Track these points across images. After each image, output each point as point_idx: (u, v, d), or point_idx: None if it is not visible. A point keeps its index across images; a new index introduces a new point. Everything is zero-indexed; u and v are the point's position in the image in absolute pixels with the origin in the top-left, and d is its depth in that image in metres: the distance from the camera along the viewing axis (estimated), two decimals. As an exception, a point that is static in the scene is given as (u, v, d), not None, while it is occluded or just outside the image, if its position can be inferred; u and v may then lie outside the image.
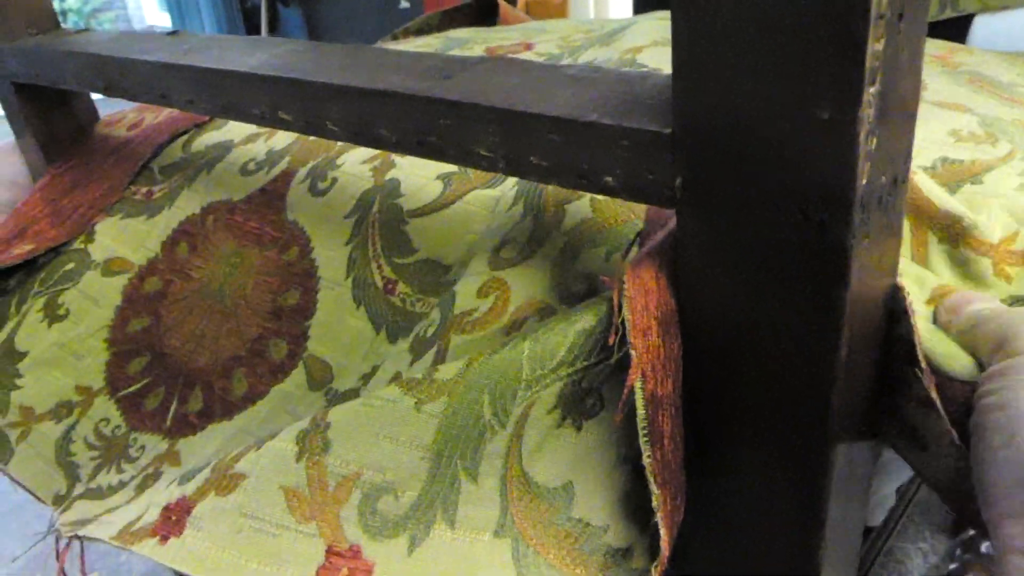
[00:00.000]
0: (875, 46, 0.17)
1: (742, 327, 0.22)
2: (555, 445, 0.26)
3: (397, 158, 0.42)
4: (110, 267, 0.49)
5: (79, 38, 0.49)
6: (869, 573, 0.40)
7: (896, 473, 0.35)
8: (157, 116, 0.57)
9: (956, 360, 0.24)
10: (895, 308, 0.24)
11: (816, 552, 0.25)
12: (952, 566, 0.82)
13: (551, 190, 0.33)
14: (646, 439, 0.23)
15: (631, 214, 0.31)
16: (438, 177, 0.39)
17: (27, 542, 1.02)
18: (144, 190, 0.51)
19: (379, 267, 0.38)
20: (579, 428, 0.26)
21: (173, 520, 0.29)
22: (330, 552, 0.27)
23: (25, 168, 0.56)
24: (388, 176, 0.41)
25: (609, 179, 0.24)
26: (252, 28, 3.10)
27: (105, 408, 0.45)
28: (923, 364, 0.23)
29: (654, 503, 0.23)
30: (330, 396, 0.37)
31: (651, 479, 0.23)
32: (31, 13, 0.52)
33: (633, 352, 0.23)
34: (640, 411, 0.23)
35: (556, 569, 0.25)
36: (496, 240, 0.33)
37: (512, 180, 0.37)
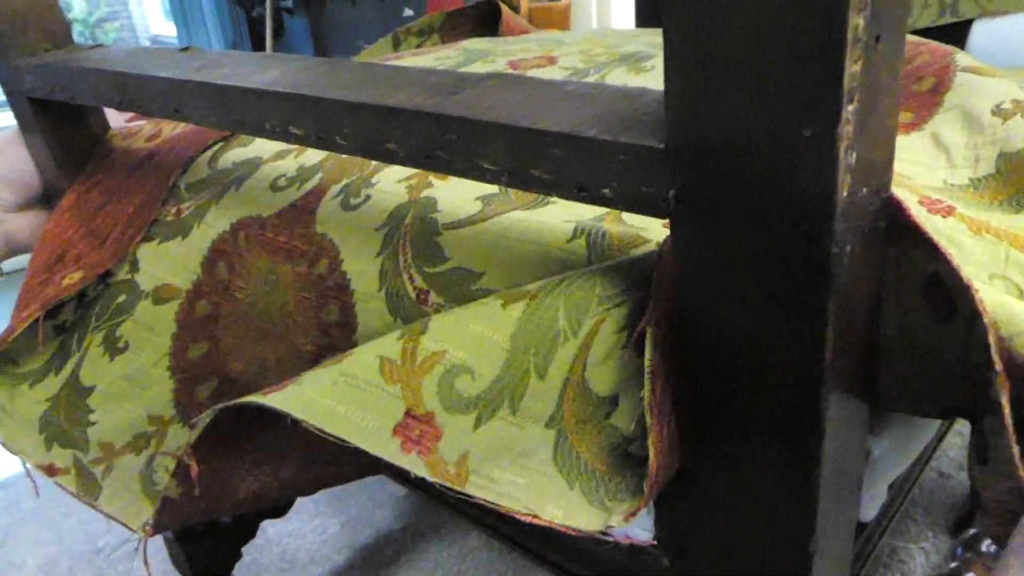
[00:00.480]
0: (853, 67, 0.18)
1: (734, 331, 0.23)
2: (615, 363, 0.29)
3: (434, 179, 0.43)
4: (160, 295, 0.50)
5: (94, 54, 0.51)
6: (863, 569, 0.41)
7: (888, 470, 0.36)
8: (175, 128, 0.59)
9: None
10: (963, 307, 0.24)
11: (807, 548, 0.26)
12: (953, 564, 0.83)
13: (615, 232, 0.34)
14: (648, 376, 0.26)
15: None
16: (477, 198, 0.40)
17: (39, 550, 1.04)
18: (174, 209, 0.52)
19: (410, 278, 0.39)
20: (640, 352, 0.28)
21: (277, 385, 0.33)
22: (408, 414, 0.30)
23: (31, 166, 0.58)
24: (424, 194, 0.42)
25: (607, 191, 0.25)
26: (257, 37, 3.12)
27: (180, 435, 0.47)
28: (997, 366, 0.23)
29: (647, 428, 0.26)
30: None
31: (646, 408, 0.26)
32: (47, 30, 0.54)
33: (651, 300, 0.26)
34: (648, 354, 0.26)
35: (584, 460, 0.29)
36: (557, 277, 0.34)
37: (557, 208, 0.37)
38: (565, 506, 0.28)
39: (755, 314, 0.22)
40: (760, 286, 0.22)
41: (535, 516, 0.28)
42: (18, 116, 0.56)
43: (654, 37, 0.65)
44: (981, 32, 0.71)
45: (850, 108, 0.19)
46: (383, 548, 1.00)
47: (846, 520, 0.29)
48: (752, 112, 0.20)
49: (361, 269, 0.41)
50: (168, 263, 0.50)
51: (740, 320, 0.23)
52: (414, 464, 0.29)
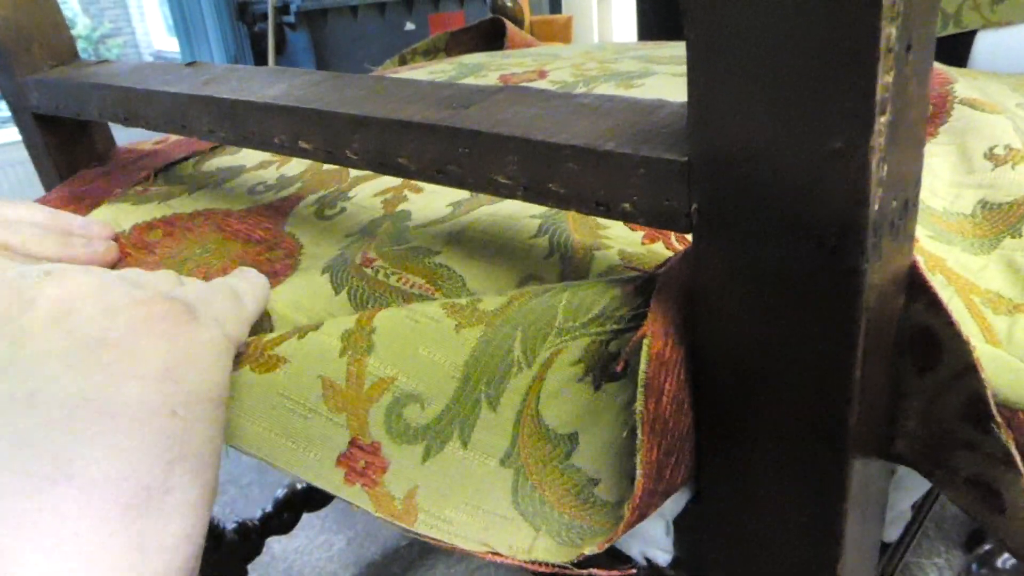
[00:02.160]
0: (885, 78, 0.18)
1: (759, 349, 0.23)
2: (572, 396, 0.27)
3: (410, 193, 0.43)
4: None
5: (99, 70, 0.50)
6: (886, 589, 0.41)
7: (912, 489, 0.35)
8: (179, 141, 0.59)
9: None
10: (953, 361, 0.24)
11: (834, 571, 0.25)
12: (968, 581, 0.82)
13: (577, 237, 0.34)
14: (642, 390, 0.24)
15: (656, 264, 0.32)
16: (448, 205, 0.40)
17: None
18: (141, 188, 0.51)
19: (363, 252, 0.37)
20: (597, 387, 0.27)
21: None
22: (353, 444, 0.29)
23: None
24: (399, 208, 0.42)
25: (627, 205, 0.24)
26: (259, 52, 3.13)
27: None
28: (998, 419, 0.23)
29: (637, 445, 0.24)
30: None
31: (639, 424, 0.24)
32: (51, 46, 0.53)
33: (649, 312, 0.24)
34: (643, 365, 0.24)
35: (550, 505, 0.27)
36: (520, 271, 0.34)
37: (523, 204, 0.36)
38: (529, 545, 0.27)
39: (782, 333, 0.22)
40: (786, 302, 0.21)
41: (495, 553, 0.27)
42: (23, 132, 0.56)
43: (654, 51, 0.64)
44: (985, 43, 0.71)
45: (882, 120, 0.18)
46: (390, 564, 0.99)
47: (871, 542, 0.28)
48: (779, 124, 0.20)
49: (317, 253, 0.39)
50: (105, 216, 0.48)
51: (765, 336, 0.22)
52: (358, 497, 0.28)
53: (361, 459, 0.29)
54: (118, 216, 0.48)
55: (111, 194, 0.52)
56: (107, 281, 0.27)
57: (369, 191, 0.44)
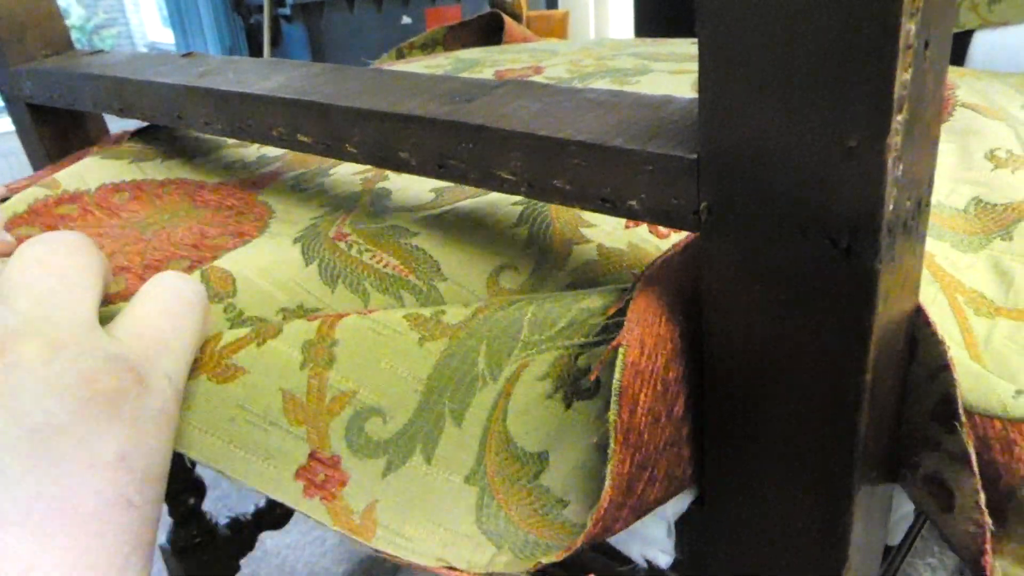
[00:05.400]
0: (903, 76, 0.17)
1: (768, 350, 0.22)
2: (541, 413, 0.27)
3: (390, 173, 0.42)
4: (38, 184, 0.45)
5: (94, 60, 0.50)
6: (886, 591, 0.41)
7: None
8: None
9: (994, 392, 0.24)
10: (929, 361, 0.24)
11: (839, 574, 0.25)
12: (962, 581, 0.82)
13: (558, 227, 0.33)
14: (616, 399, 0.23)
15: (638, 263, 0.31)
16: (431, 190, 0.39)
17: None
18: (114, 139, 0.50)
19: (338, 227, 0.36)
20: (568, 405, 0.26)
21: None
22: (312, 456, 0.29)
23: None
24: (378, 185, 0.41)
25: (633, 203, 0.24)
26: (255, 45, 3.11)
27: None
28: (963, 418, 0.23)
29: (608, 454, 0.24)
30: (230, 315, 0.35)
31: (611, 434, 0.24)
32: (46, 36, 0.53)
33: (626, 321, 0.24)
34: (616, 374, 0.23)
35: (515, 524, 0.26)
36: (496, 259, 0.33)
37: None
38: (488, 561, 0.26)
39: (793, 333, 0.21)
40: (799, 304, 0.21)
41: (451, 568, 0.26)
42: (17, 123, 0.55)
43: (652, 48, 0.64)
44: (982, 42, 0.72)
45: (899, 118, 0.18)
46: (382, 560, 0.99)
47: (875, 545, 0.28)
48: (793, 121, 0.19)
49: (289, 221, 0.38)
50: (72, 171, 0.47)
51: (775, 339, 0.22)
52: (315, 510, 0.28)
53: (320, 472, 0.28)
54: (85, 173, 0.46)
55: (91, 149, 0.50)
56: (50, 344, 0.24)
57: (350, 170, 0.43)
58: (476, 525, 0.27)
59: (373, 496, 0.28)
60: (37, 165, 0.56)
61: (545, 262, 0.32)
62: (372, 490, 0.28)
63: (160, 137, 0.52)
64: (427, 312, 0.29)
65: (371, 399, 0.29)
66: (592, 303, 0.27)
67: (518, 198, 0.35)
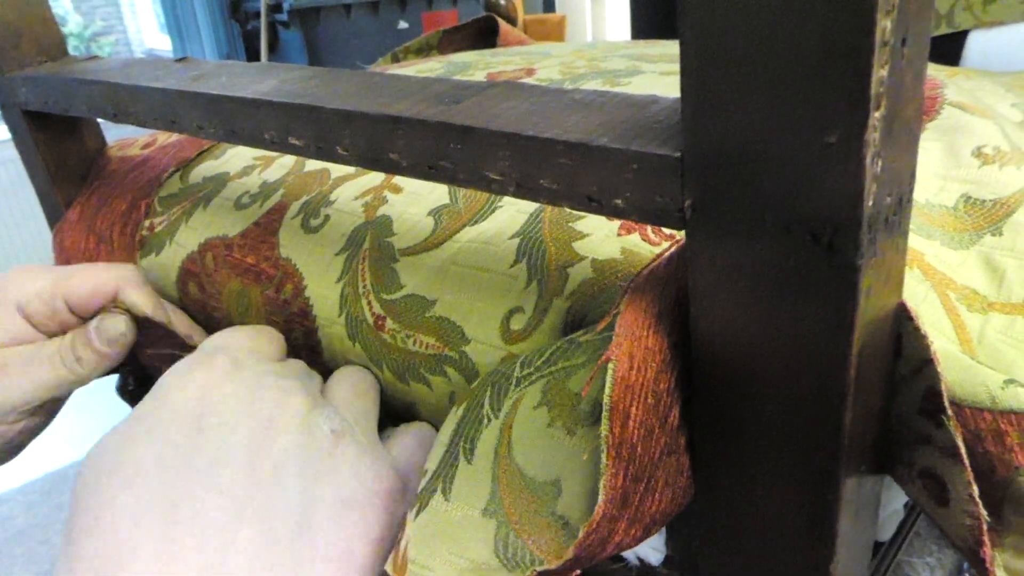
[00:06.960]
0: (880, 72, 0.18)
1: (753, 346, 0.23)
2: (546, 443, 0.27)
3: (389, 194, 0.43)
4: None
5: (88, 66, 0.50)
6: (878, 588, 0.41)
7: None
8: (169, 136, 0.58)
9: (984, 385, 0.24)
10: (913, 355, 0.24)
11: (827, 570, 0.25)
12: (960, 580, 0.82)
13: (553, 252, 0.34)
14: (607, 414, 0.24)
15: (632, 269, 0.32)
16: (429, 213, 0.40)
17: (32, 568, 1.02)
18: (148, 223, 0.52)
19: (368, 303, 0.39)
20: (572, 433, 0.27)
21: None
22: None
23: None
24: (380, 212, 0.42)
25: (619, 201, 0.24)
26: (252, 51, 3.12)
27: None
28: (949, 412, 0.23)
29: (600, 469, 0.24)
30: None
31: (603, 447, 0.24)
32: (41, 42, 0.53)
33: (614, 336, 0.24)
34: (607, 389, 0.24)
35: (534, 555, 0.27)
36: (503, 305, 0.34)
37: (502, 220, 0.38)
38: None
39: (777, 329, 0.22)
40: (782, 300, 0.21)
41: None
42: (12, 129, 0.55)
43: (645, 49, 0.64)
44: (977, 42, 0.72)
45: (877, 114, 0.18)
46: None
47: (864, 541, 0.28)
48: (772, 119, 0.19)
49: (323, 295, 0.41)
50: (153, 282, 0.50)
51: (760, 336, 0.22)
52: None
53: None
54: (157, 271, 0.51)
55: (129, 218, 0.53)
56: (359, 446, 0.34)
57: (350, 194, 0.45)
58: (495, 555, 0.27)
59: (408, 536, 0.29)
60: (33, 171, 0.56)
61: (545, 292, 0.34)
62: (407, 531, 0.29)
63: (174, 191, 0.53)
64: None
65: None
66: (576, 335, 0.28)
67: (515, 229, 0.37)
